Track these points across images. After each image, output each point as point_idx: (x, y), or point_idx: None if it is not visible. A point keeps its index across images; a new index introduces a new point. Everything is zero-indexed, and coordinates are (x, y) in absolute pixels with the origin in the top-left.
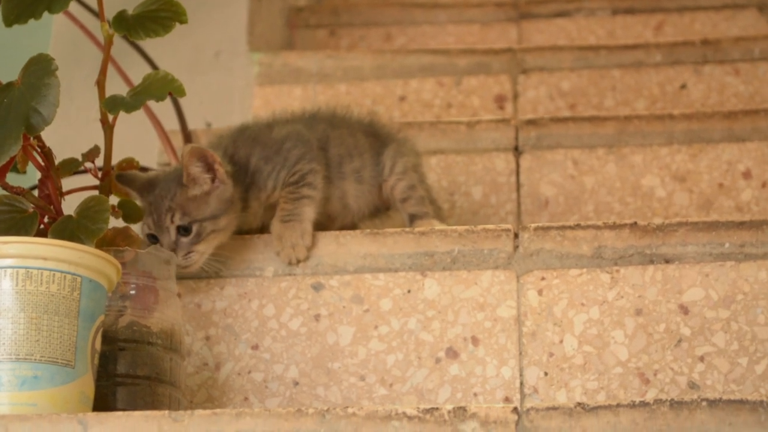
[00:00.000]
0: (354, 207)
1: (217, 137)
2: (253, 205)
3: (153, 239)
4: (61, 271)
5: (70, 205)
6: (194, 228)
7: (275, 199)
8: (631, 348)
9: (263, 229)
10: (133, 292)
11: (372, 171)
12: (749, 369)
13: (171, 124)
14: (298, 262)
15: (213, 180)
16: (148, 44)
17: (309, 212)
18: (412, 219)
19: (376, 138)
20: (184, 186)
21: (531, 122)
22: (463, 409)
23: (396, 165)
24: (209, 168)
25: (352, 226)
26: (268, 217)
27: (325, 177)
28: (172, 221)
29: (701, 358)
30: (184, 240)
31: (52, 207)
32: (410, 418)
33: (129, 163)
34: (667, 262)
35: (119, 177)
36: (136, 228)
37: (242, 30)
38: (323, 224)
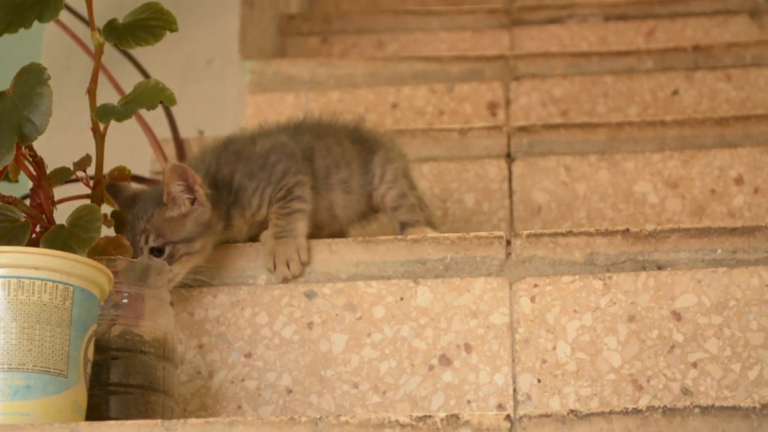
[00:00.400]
0: (342, 216)
1: (201, 153)
2: (237, 223)
3: None
4: (53, 281)
5: (61, 215)
6: (167, 250)
7: (261, 217)
8: (624, 354)
9: (251, 240)
10: (125, 300)
11: (360, 180)
12: (742, 375)
13: (163, 132)
14: (294, 278)
15: (192, 201)
16: (140, 52)
17: (302, 227)
18: (404, 227)
19: (363, 144)
20: (162, 206)
21: (523, 129)
22: (456, 416)
23: (386, 173)
24: (189, 188)
25: (340, 233)
26: (253, 232)
27: (312, 188)
28: (146, 242)
29: (694, 365)
30: (157, 261)
31: (43, 216)
32: (403, 426)
33: (121, 172)
34: (659, 268)
35: (109, 187)
36: None
37: (234, 38)
38: (312, 234)
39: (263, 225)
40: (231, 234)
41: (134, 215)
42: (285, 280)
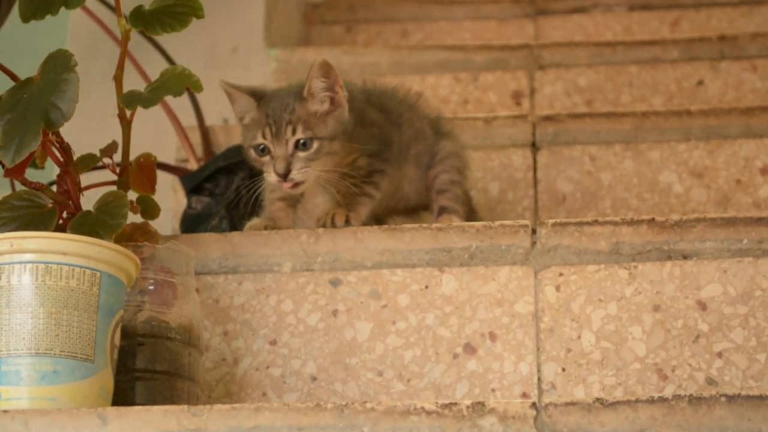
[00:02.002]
0: (406, 189)
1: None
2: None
3: (261, 152)
4: (81, 266)
5: (88, 201)
6: (315, 144)
7: (347, 161)
8: (649, 344)
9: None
10: (151, 287)
11: (428, 157)
12: (767, 365)
13: (188, 120)
14: (334, 224)
15: (331, 101)
16: (165, 40)
17: (364, 211)
18: (441, 211)
19: (437, 131)
20: (303, 100)
21: (548, 118)
22: (482, 404)
23: (447, 159)
24: (330, 88)
25: (393, 211)
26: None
27: (396, 167)
28: (293, 133)
29: (719, 354)
30: (301, 155)
31: (70, 202)
32: (429, 413)
33: (147, 159)
34: (685, 258)
35: (223, 84)
36: (155, 224)
37: (259, 26)
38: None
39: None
40: (331, 160)
41: (274, 108)
42: (324, 225)
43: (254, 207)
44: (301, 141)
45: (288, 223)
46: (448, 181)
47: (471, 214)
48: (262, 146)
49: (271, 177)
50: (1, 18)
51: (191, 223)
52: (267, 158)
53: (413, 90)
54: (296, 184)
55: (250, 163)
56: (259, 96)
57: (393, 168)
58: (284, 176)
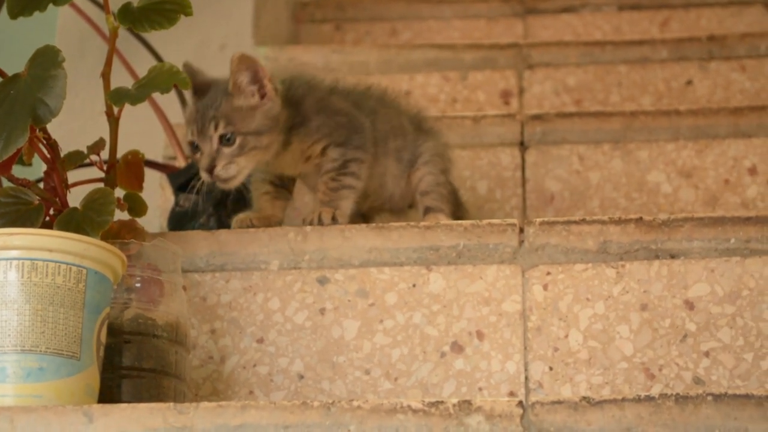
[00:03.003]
0: (390, 187)
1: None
2: (294, 147)
3: (194, 148)
4: (67, 263)
5: (75, 198)
6: (237, 139)
7: (312, 153)
8: (637, 343)
9: (293, 184)
10: (138, 284)
11: (409, 154)
12: (754, 365)
13: (176, 117)
14: (321, 222)
15: (261, 95)
16: (153, 37)
17: (348, 205)
18: (427, 212)
19: (418, 128)
20: (229, 95)
21: (537, 117)
22: (468, 402)
23: (432, 161)
24: (257, 80)
25: (380, 210)
26: (306, 169)
27: (372, 154)
28: (215, 129)
29: (706, 354)
30: (226, 150)
31: (57, 199)
32: (415, 411)
33: (135, 156)
34: (672, 257)
35: (186, 66)
36: (142, 221)
37: (248, 24)
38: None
39: (311, 169)
40: (285, 161)
41: (203, 104)
42: (310, 223)
43: (242, 205)
44: (226, 136)
45: (276, 217)
46: (433, 182)
47: (459, 208)
48: (194, 143)
49: (203, 174)
50: None
51: (179, 221)
52: (198, 155)
53: (391, 89)
54: (224, 180)
55: (174, 188)
56: (198, 89)
57: (368, 155)
58: (209, 172)
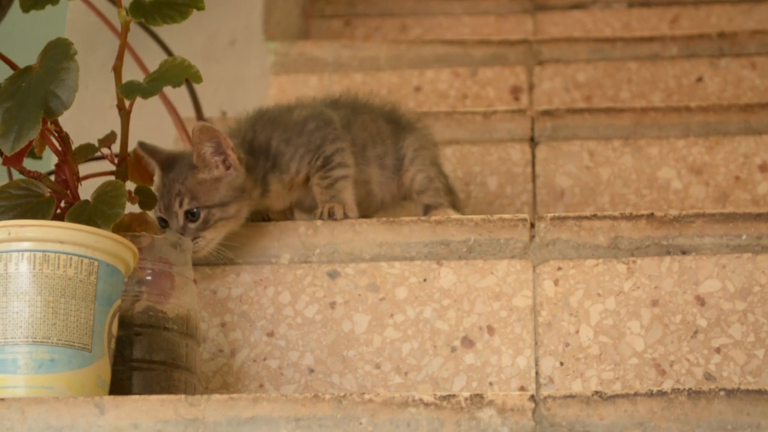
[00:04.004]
0: (378, 193)
1: (236, 122)
2: (274, 188)
3: (163, 222)
4: (79, 255)
5: (86, 192)
6: (202, 214)
7: (300, 182)
8: (647, 339)
9: (291, 209)
10: (149, 277)
11: (392, 158)
12: (765, 361)
13: (186, 111)
14: (333, 217)
15: (225, 165)
16: (164, 32)
17: (348, 194)
18: (427, 210)
19: (397, 125)
20: (194, 168)
21: (547, 113)
22: (480, 396)
23: (417, 157)
24: (221, 151)
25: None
26: (295, 196)
27: (341, 136)
28: (180, 206)
29: (717, 350)
30: (191, 226)
31: (68, 192)
32: (427, 405)
33: None
34: (683, 253)
35: (141, 144)
36: (153, 214)
37: (258, 19)
38: None
39: (301, 193)
40: (270, 201)
41: (170, 178)
42: (323, 218)
43: None
44: (190, 211)
45: (282, 207)
46: (425, 179)
47: (450, 193)
48: (162, 219)
49: None
50: (3, 10)
51: None
52: (167, 230)
53: (363, 92)
54: (193, 253)
55: None
56: (164, 163)
57: (346, 141)
58: (176, 248)
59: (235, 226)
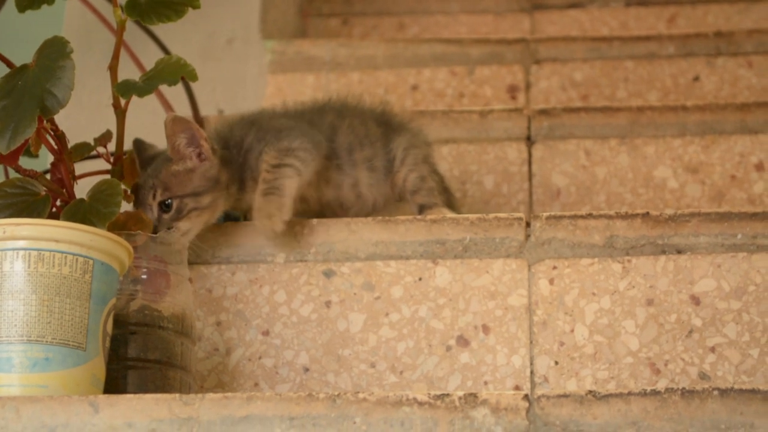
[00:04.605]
0: (368, 195)
1: (221, 124)
2: (249, 185)
3: None
4: (73, 254)
5: (81, 191)
6: (174, 204)
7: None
8: (642, 338)
9: None
10: (144, 276)
11: (383, 160)
12: (760, 360)
13: (183, 110)
14: (275, 234)
15: (199, 156)
16: (161, 30)
17: (290, 185)
18: (422, 209)
19: (388, 127)
20: (169, 161)
21: (544, 112)
22: (474, 395)
23: (407, 157)
24: (195, 143)
25: (367, 216)
26: None
27: (336, 166)
28: (153, 198)
29: (712, 349)
30: (165, 216)
31: (64, 190)
32: (421, 404)
33: None
34: (679, 252)
35: (135, 142)
36: None
37: (255, 17)
38: (336, 213)
39: None
40: (247, 199)
41: (147, 174)
42: (267, 236)
43: None
44: (165, 202)
45: None
46: (417, 179)
47: (445, 192)
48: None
49: None
50: None
51: None
52: None
53: (353, 95)
54: (169, 245)
55: None
56: (144, 161)
57: (314, 153)
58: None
59: (210, 218)
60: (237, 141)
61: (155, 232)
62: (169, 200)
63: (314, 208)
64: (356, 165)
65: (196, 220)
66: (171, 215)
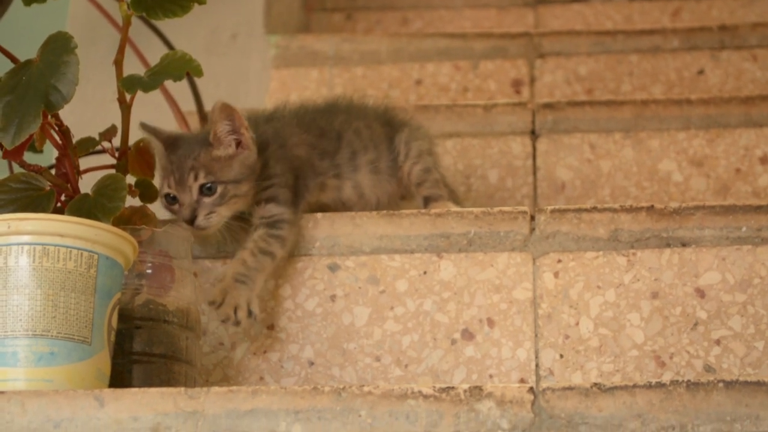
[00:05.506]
0: (370, 195)
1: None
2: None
3: (171, 200)
4: (78, 248)
5: (86, 185)
6: (219, 189)
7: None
8: (647, 331)
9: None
10: (149, 270)
11: (388, 160)
12: (765, 353)
13: (187, 105)
14: (237, 324)
15: (237, 144)
16: (165, 26)
17: (261, 280)
18: (427, 201)
19: (391, 126)
20: (209, 146)
21: (548, 106)
22: (479, 388)
23: (411, 150)
24: (235, 130)
25: None
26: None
27: (335, 175)
28: (195, 179)
29: (717, 342)
30: (207, 200)
31: (69, 185)
32: (426, 397)
33: (146, 143)
34: (683, 245)
35: (143, 125)
36: (153, 207)
37: (259, 12)
38: (337, 211)
39: None
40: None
41: (180, 155)
42: (224, 322)
43: None
44: (206, 186)
45: None
46: (422, 170)
47: (448, 189)
48: (170, 195)
49: (182, 225)
50: (5, 5)
51: None
52: (176, 206)
53: (358, 96)
54: (203, 230)
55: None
56: (169, 142)
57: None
58: (191, 222)
59: (243, 207)
60: (259, 145)
61: (193, 215)
62: (212, 184)
63: (313, 209)
64: (359, 169)
65: (233, 207)
66: (214, 200)
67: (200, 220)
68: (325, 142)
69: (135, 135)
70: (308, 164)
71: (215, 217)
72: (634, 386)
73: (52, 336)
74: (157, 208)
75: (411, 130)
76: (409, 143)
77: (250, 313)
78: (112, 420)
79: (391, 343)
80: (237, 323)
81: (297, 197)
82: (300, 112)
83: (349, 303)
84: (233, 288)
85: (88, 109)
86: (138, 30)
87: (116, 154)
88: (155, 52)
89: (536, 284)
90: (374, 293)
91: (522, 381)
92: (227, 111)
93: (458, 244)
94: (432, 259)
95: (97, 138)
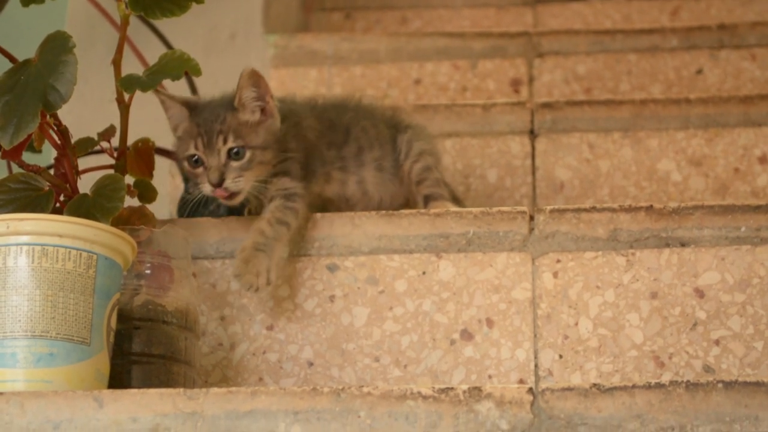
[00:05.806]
0: (373, 193)
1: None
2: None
3: (194, 163)
4: (77, 249)
5: (85, 185)
6: (248, 153)
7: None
8: (647, 331)
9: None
10: (148, 271)
11: (392, 160)
12: (764, 353)
13: None
14: (257, 290)
15: (262, 111)
16: (164, 25)
17: (281, 249)
18: (427, 200)
19: (396, 128)
20: (234, 110)
21: (546, 105)
22: (479, 389)
23: (412, 148)
24: (261, 98)
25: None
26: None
27: (340, 168)
28: (224, 142)
29: (716, 342)
30: (234, 164)
31: (68, 185)
32: (425, 397)
33: (145, 143)
34: (682, 245)
35: (158, 91)
36: (152, 208)
37: (257, 12)
38: (340, 208)
39: None
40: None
41: (205, 119)
42: (250, 289)
43: None
44: (234, 150)
45: None
46: (422, 168)
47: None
48: (195, 157)
49: (205, 188)
50: (1, 3)
51: (189, 208)
52: (200, 169)
53: (367, 97)
54: (232, 195)
55: (184, 175)
56: (191, 106)
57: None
58: (219, 185)
59: (264, 174)
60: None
61: (221, 178)
62: (240, 149)
63: (316, 203)
64: (364, 165)
65: (258, 173)
66: (242, 164)
67: (228, 183)
68: (333, 134)
69: (134, 135)
70: (317, 150)
71: (242, 181)
72: (634, 387)
73: (51, 337)
74: (156, 209)
75: (414, 131)
76: (411, 143)
77: (268, 281)
78: (112, 421)
79: (390, 344)
80: (257, 289)
81: (307, 177)
82: (311, 102)
83: (348, 303)
84: (254, 256)
85: (87, 108)
86: (137, 30)
87: (115, 154)
88: (154, 52)
89: (535, 284)
90: (373, 293)
91: (521, 381)
92: (254, 78)
93: (457, 244)
94: (431, 259)
95: (96, 138)
